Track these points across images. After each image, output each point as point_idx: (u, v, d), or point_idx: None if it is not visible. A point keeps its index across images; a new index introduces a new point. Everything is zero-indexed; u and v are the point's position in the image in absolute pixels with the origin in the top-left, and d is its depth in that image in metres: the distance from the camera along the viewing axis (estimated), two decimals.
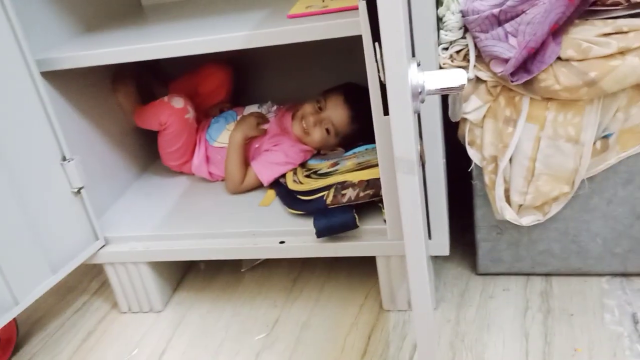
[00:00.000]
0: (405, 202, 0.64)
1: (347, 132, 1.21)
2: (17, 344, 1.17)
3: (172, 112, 1.24)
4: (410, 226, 0.65)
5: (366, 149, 1.20)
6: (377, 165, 1.11)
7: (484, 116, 0.97)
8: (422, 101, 0.59)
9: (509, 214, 1.01)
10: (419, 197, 0.65)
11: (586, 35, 0.86)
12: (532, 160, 0.96)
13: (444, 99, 0.98)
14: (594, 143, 0.94)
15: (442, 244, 1.02)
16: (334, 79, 1.28)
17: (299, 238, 1.08)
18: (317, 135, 1.21)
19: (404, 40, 0.52)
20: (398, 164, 0.61)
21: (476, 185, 1.04)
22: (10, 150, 0.98)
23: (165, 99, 1.26)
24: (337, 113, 1.20)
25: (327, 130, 1.20)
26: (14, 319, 1.14)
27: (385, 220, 1.04)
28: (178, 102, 1.25)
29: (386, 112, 0.59)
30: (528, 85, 0.90)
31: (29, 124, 1.02)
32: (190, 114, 1.27)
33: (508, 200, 1.02)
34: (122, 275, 1.19)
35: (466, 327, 1.03)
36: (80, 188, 1.11)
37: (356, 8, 0.90)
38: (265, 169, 1.21)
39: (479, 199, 1.05)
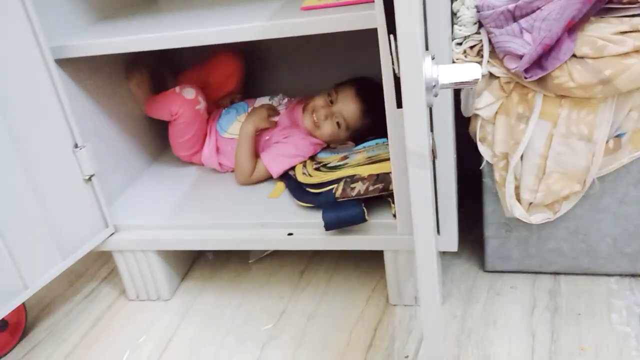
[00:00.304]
0: (417, 196, 0.63)
1: (358, 126, 1.21)
2: (25, 328, 1.19)
3: (183, 102, 1.24)
4: (420, 220, 0.65)
5: (376, 143, 1.20)
6: (387, 159, 1.12)
7: (496, 112, 0.97)
8: (436, 95, 0.59)
9: (519, 212, 1.01)
10: (431, 192, 0.65)
11: (602, 33, 0.85)
12: (543, 158, 0.96)
13: (456, 94, 0.97)
14: (607, 142, 0.93)
15: (450, 239, 1.02)
16: (345, 73, 1.28)
17: (307, 230, 1.08)
18: (327, 128, 1.21)
19: (419, 33, 0.52)
20: (410, 158, 0.61)
21: (486, 182, 1.04)
22: (24, 137, 0.99)
23: (177, 89, 1.26)
24: (348, 107, 1.19)
25: (338, 124, 1.20)
26: (23, 304, 1.15)
27: (394, 215, 1.04)
28: (189, 93, 1.25)
29: (399, 104, 0.59)
30: (542, 82, 0.90)
31: (42, 110, 1.03)
32: (201, 105, 1.27)
33: (518, 197, 1.01)
34: (131, 263, 1.20)
35: (472, 323, 1.03)
36: (92, 175, 1.12)
37: (370, 0, 0.90)
38: (274, 161, 1.21)
39: (489, 196, 1.05)
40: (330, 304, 1.14)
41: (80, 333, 1.17)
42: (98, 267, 1.37)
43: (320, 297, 1.16)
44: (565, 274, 1.10)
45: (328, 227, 1.04)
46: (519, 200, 1.01)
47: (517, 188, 1.01)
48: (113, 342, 1.13)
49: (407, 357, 0.99)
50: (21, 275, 1.01)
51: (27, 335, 1.18)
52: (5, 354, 1.13)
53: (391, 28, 0.55)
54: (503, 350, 0.97)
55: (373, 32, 0.85)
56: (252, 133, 1.22)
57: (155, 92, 1.32)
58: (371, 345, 1.03)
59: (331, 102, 1.21)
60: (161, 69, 1.42)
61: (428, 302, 0.71)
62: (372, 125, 1.20)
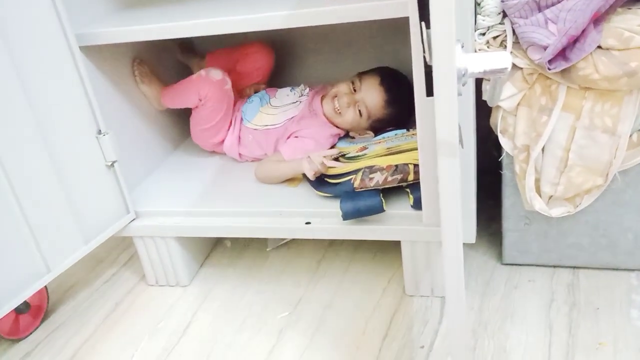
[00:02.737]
0: (446, 185, 0.64)
1: (380, 115, 1.21)
2: (47, 311, 1.21)
3: (211, 84, 1.24)
4: (448, 210, 0.65)
5: (395, 134, 1.20)
6: (406, 150, 1.12)
7: (518, 104, 0.97)
8: (464, 84, 0.59)
9: (539, 205, 1.01)
10: (458, 181, 0.65)
11: (628, 25, 0.85)
12: (565, 151, 0.95)
13: (478, 83, 0.97)
14: (631, 135, 0.92)
15: (468, 231, 1.02)
16: (368, 63, 1.27)
17: (325, 219, 1.09)
18: (349, 116, 1.20)
19: (453, 21, 0.52)
20: (440, 147, 0.61)
21: (506, 175, 1.04)
22: (49, 122, 1.01)
23: (202, 72, 1.25)
24: (372, 95, 1.19)
25: (360, 112, 1.20)
26: (45, 287, 1.17)
27: (412, 206, 1.04)
28: (216, 74, 1.25)
29: (430, 93, 0.59)
30: (566, 73, 0.89)
31: (66, 97, 1.04)
32: (229, 85, 1.27)
33: (538, 190, 1.01)
34: (151, 248, 1.21)
35: (490, 315, 1.03)
36: (114, 162, 1.13)
37: None
38: (295, 155, 1.20)
39: (508, 188, 1.05)
40: (347, 293, 1.15)
41: (101, 317, 1.19)
42: (119, 252, 1.39)
43: (337, 286, 1.17)
44: (584, 268, 1.10)
45: (346, 216, 1.05)
46: (539, 193, 1.01)
47: (537, 181, 1.00)
48: (132, 326, 1.15)
49: (422, 347, 0.99)
50: (44, 259, 1.03)
51: (48, 318, 1.20)
52: (28, 336, 1.16)
53: (423, 16, 0.55)
54: (520, 343, 0.97)
55: (397, 22, 0.84)
56: (300, 173, 1.17)
57: (164, 82, 1.32)
58: (387, 334, 1.03)
59: (354, 89, 1.21)
60: (186, 53, 1.42)
61: (454, 294, 0.71)
62: (393, 116, 1.20)
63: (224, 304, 1.17)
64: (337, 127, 1.24)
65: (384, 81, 1.19)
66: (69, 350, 1.11)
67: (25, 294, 1.02)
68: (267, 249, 1.31)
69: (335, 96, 1.21)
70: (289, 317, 1.11)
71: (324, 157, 1.13)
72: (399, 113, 1.19)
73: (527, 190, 1.01)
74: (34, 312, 1.18)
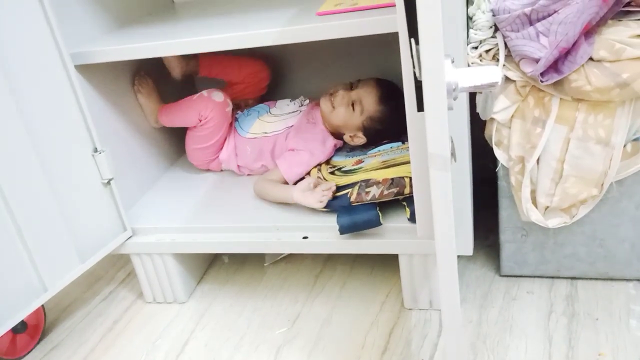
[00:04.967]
0: (438, 198, 0.64)
1: (374, 113, 1.20)
2: (44, 330, 1.20)
3: (214, 106, 1.25)
4: (442, 223, 0.65)
5: (391, 147, 1.21)
6: (401, 163, 1.12)
7: (512, 116, 0.97)
8: (455, 98, 0.60)
9: (535, 216, 1.01)
10: (451, 194, 0.66)
11: (620, 36, 0.85)
12: (560, 162, 0.95)
13: (471, 97, 0.97)
14: (625, 146, 0.93)
15: (465, 243, 1.02)
16: (365, 76, 1.28)
17: (322, 234, 1.09)
18: (343, 110, 1.21)
19: (442, 37, 0.52)
20: (432, 161, 0.62)
21: (502, 186, 1.04)
22: (44, 141, 1.01)
23: (205, 93, 1.27)
24: (367, 92, 1.20)
25: (354, 107, 1.20)
26: (42, 306, 1.17)
27: (409, 219, 1.04)
28: (218, 96, 1.26)
29: (420, 108, 0.60)
30: (558, 85, 0.90)
31: (62, 115, 1.05)
32: (230, 107, 1.28)
33: (534, 201, 1.01)
34: (148, 266, 1.21)
35: (488, 328, 1.03)
36: (110, 179, 1.13)
37: (387, 6, 0.91)
38: (291, 169, 1.21)
39: (505, 200, 1.05)
40: (345, 308, 1.14)
41: (98, 335, 1.18)
42: (116, 270, 1.38)
43: (335, 302, 1.17)
44: (582, 279, 1.10)
45: (343, 231, 1.04)
46: (535, 204, 1.01)
47: (533, 192, 1.00)
48: (130, 344, 1.14)
49: None
50: (40, 278, 1.03)
51: (46, 337, 1.20)
52: (25, 355, 1.15)
53: (412, 32, 0.56)
54: (519, 355, 0.97)
55: (392, 35, 0.85)
56: (291, 201, 1.16)
57: (164, 102, 1.32)
58: (386, 349, 1.03)
59: (351, 87, 1.22)
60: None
61: (449, 305, 0.71)
62: (387, 117, 1.20)
63: (221, 321, 1.16)
64: (332, 130, 1.24)
65: (380, 83, 1.21)
66: None
67: (22, 314, 1.01)
68: (265, 264, 1.31)
69: (332, 93, 1.23)
70: (286, 333, 1.10)
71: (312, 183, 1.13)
72: (392, 125, 1.20)
73: (523, 202, 1.01)
74: (31, 331, 1.17)
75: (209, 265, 1.34)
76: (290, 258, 1.31)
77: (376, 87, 1.21)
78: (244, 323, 1.15)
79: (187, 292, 1.24)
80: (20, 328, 1.14)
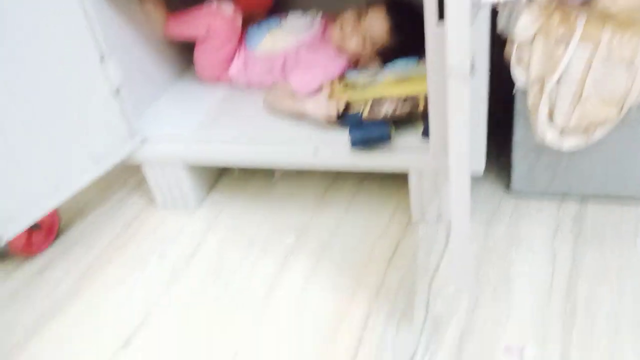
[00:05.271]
0: (455, 112, 0.63)
1: (384, 44, 1.18)
2: (59, 231, 1.24)
3: (222, 19, 1.22)
4: (456, 136, 0.65)
5: (406, 64, 1.18)
6: (415, 80, 1.10)
7: (535, 34, 0.94)
8: (478, 11, 0.57)
9: (550, 137, 1.00)
10: (468, 107, 0.65)
11: None
12: (581, 82, 0.93)
13: (493, 16, 0.94)
14: None
15: (477, 161, 1.02)
16: None
17: (333, 149, 1.09)
18: (354, 43, 1.18)
19: None
20: (451, 72, 0.61)
21: (518, 107, 1.02)
22: (52, 49, 1.00)
23: (214, 5, 1.22)
24: (376, 22, 1.17)
25: (365, 41, 1.18)
26: (56, 208, 1.19)
27: (421, 136, 1.03)
28: (228, 9, 1.22)
29: (441, 15, 0.57)
30: (585, 3, 0.86)
31: (69, 23, 1.02)
32: (239, 22, 1.24)
33: (550, 122, 1.00)
34: (159, 174, 1.22)
35: (494, 243, 1.05)
36: (119, 88, 1.12)
37: None
38: (303, 84, 1.19)
39: (520, 121, 1.04)
40: (353, 221, 1.16)
41: (110, 237, 1.22)
42: (127, 177, 1.40)
43: (343, 214, 1.19)
44: (593, 197, 1.10)
45: (354, 145, 1.04)
46: (551, 125, 1.00)
47: (550, 112, 0.99)
48: (141, 247, 1.18)
49: (427, 271, 1.02)
50: (54, 181, 1.05)
51: (60, 237, 1.24)
52: (40, 253, 1.19)
53: None
54: (523, 270, 0.99)
55: None
56: (304, 114, 1.13)
57: (170, 11, 1.27)
58: (392, 260, 1.06)
59: (360, 17, 1.18)
60: None
61: (458, 221, 0.72)
62: (399, 45, 1.17)
63: (231, 228, 1.19)
64: (346, 55, 1.22)
65: (389, 10, 1.17)
66: (81, 267, 1.15)
67: (37, 214, 1.04)
68: (274, 177, 1.32)
69: (342, 24, 1.19)
70: (295, 242, 1.13)
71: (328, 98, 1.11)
72: (406, 42, 1.17)
73: (539, 122, 1.00)
74: (46, 231, 1.21)
75: (220, 176, 1.35)
76: (299, 174, 1.32)
77: (385, 16, 1.16)
78: (253, 231, 1.18)
79: (197, 201, 1.26)
80: (36, 227, 1.17)
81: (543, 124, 0.99)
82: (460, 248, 0.76)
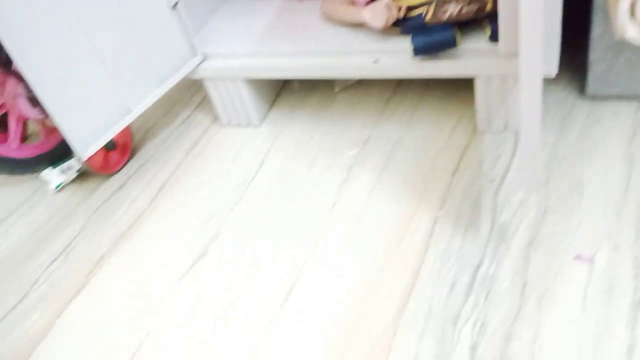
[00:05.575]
0: (528, 9, 0.59)
1: None
2: (133, 149, 1.30)
3: None
4: (528, 36, 0.61)
5: None
6: None
7: None
8: None
9: (632, 32, 0.92)
10: (542, 5, 0.60)
11: None
12: None
13: None
14: None
15: (550, 63, 0.96)
16: None
17: (395, 57, 1.05)
18: None
19: None
20: None
21: (596, 2, 0.94)
22: None
23: None
24: None
25: None
26: (129, 126, 1.24)
27: (490, 39, 0.98)
28: None
29: None
30: None
31: None
32: None
33: (633, 16, 0.91)
34: (221, 90, 1.23)
35: (565, 150, 1.01)
36: (176, 2, 1.11)
37: None
38: None
39: (598, 16, 0.95)
40: (416, 132, 1.14)
41: (181, 154, 1.27)
42: (191, 94, 1.43)
43: (406, 125, 1.17)
44: None
45: (417, 51, 1.00)
46: (633, 20, 0.91)
47: (632, 5, 0.90)
48: (211, 162, 1.22)
49: (492, 181, 1.00)
50: (125, 101, 1.09)
51: (135, 155, 1.30)
52: (118, 171, 1.26)
53: None
54: (596, 177, 0.95)
55: None
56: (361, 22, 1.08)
57: None
58: (457, 170, 1.04)
59: None
60: None
61: (528, 125, 0.70)
62: None
63: (294, 143, 1.21)
64: None
65: None
66: (158, 182, 1.21)
67: (111, 133, 1.09)
68: (335, 90, 1.30)
69: None
70: (358, 154, 1.13)
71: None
72: None
73: (619, 16, 0.91)
74: (121, 149, 1.27)
75: (280, 91, 1.35)
76: (360, 84, 1.29)
77: None
78: (315, 145, 1.18)
79: (260, 116, 1.28)
80: (111, 146, 1.23)
81: (624, 18, 0.91)
82: (530, 155, 0.73)
